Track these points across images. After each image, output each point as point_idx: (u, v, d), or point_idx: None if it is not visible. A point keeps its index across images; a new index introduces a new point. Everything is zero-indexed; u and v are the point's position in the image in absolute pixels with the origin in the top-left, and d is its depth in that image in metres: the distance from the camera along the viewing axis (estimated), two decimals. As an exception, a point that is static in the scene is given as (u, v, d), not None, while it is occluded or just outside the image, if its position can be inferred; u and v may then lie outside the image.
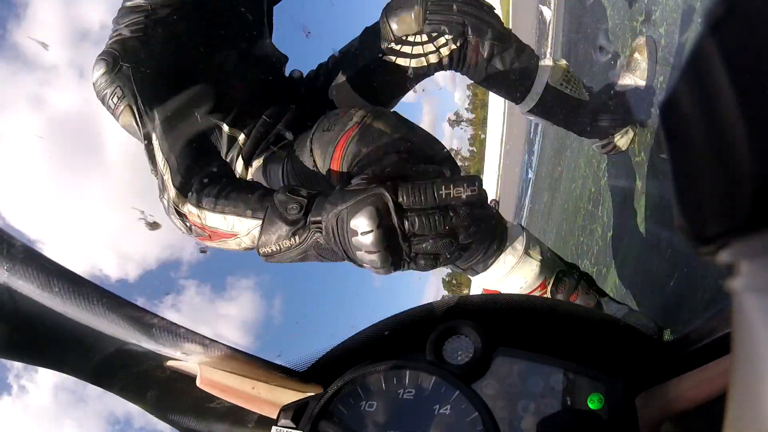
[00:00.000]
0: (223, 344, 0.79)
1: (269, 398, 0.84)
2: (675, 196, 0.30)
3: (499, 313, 0.88)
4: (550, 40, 7.94)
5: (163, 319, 0.71)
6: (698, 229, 0.28)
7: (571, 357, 0.77)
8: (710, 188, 0.26)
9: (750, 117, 0.22)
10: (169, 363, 0.80)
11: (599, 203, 3.60)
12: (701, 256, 0.28)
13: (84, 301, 0.66)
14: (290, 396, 0.83)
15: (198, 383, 0.78)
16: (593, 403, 0.70)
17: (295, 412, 0.77)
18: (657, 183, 2.42)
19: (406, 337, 0.84)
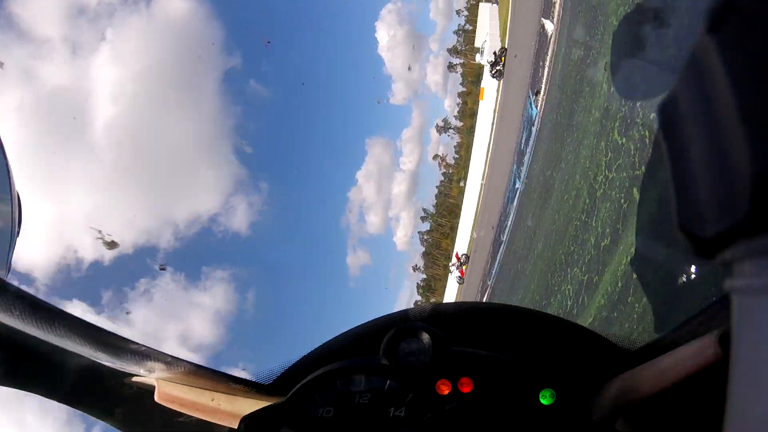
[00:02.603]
0: (182, 360, 0.80)
1: (230, 410, 0.86)
2: (674, 196, 0.30)
3: (456, 318, 0.91)
4: (550, 51, 8.14)
5: (122, 337, 0.73)
6: (698, 229, 0.28)
7: (526, 356, 0.81)
8: (710, 188, 0.26)
9: (749, 116, 0.23)
10: (134, 379, 0.81)
11: (593, 214, 3.71)
12: (701, 256, 0.29)
13: (44, 324, 0.66)
14: (252, 406, 0.85)
15: (156, 398, 0.79)
16: (545, 398, 0.75)
17: (254, 421, 0.81)
18: (655, 196, 2.53)
19: (367, 346, 0.85)
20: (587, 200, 3.78)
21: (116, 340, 0.73)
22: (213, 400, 0.87)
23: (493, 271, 12.09)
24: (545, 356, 0.83)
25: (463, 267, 29.76)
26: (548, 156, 6.44)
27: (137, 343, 0.75)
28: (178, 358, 0.80)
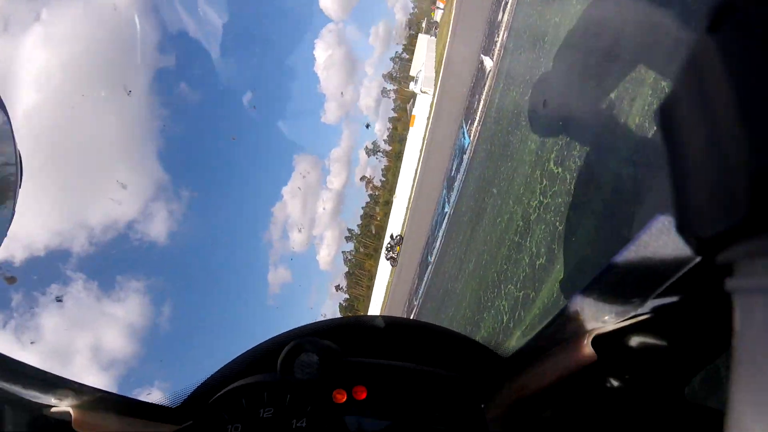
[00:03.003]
0: (93, 387, 0.81)
1: None
2: (673, 196, 0.30)
3: (351, 331, 0.97)
4: (486, 87, 8.63)
5: (34, 367, 0.73)
6: (697, 229, 0.28)
7: (421, 363, 0.86)
8: (709, 189, 0.26)
9: (748, 116, 0.22)
10: (52, 411, 0.81)
11: (527, 235, 3.99)
12: (701, 255, 0.30)
13: None
14: (167, 430, 0.88)
15: (73, 426, 0.79)
16: (435, 398, 0.80)
17: None
18: (593, 218, 2.78)
19: (269, 362, 0.89)
20: (521, 223, 4.04)
21: (29, 370, 0.74)
22: (129, 425, 0.90)
23: (420, 291, 12.34)
24: (436, 363, 0.89)
25: (397, 247, 29.68)
26: (481, 182, 6.77)
27: (50, 373, 0.76)
28: (90, 387, 0.82)
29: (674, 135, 0.30)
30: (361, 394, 0.82)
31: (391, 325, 0.98)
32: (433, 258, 11.40)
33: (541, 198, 3.80)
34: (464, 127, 10.11)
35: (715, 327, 0.64)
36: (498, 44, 8.35)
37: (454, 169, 10.32)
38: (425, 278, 11.97)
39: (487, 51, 9.36)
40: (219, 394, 0.85)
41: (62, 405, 0.80)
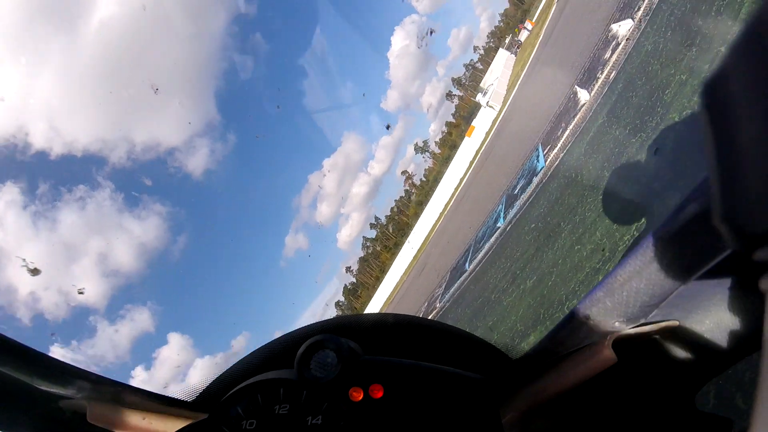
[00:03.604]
0: (110, 380, 0.81)
1: (161, 428, 0.88)
2: (717, 185, 0.27)
3: (369, 329, 0.95)
4: (578, 118, 8.63)
5: (51, 358, 0.74)
6: (744, 222, 0.26)
7: (437, 362, 0.85)
8: (761, 179, 0.24)
9: None
10: (66, 402, 0.81)
11: (612, 265, 3.99)
12: (739, 249, 0.28)
13: None
14: (181, 424, 0.87)
15: (88, 418, 0.80)
16: (453, 399, 0.80)
17: None
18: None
19: (286, 359, 0.88)
20: (607, 254, 4.09)
21: (46, 360, 0.75)
22: (144, 419, 0.89)
23: (447, 295, 12.40)
24: (454, 364, 0.87)
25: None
26: (557, 207, 6.77)
27: (67, 364, 0.77)
28: (107, 379, 0.82)
29: (723, 116, 0.27)
30: (378, 392, 0.82)
31: (410, 324, 0.98)
32: (471, 266, 11.43)
33: (635, 233, 3.84)
34: (540, 150, 10.13)
35: (742, 332, 0.62)
36: (600, 80, 8.34)
37: (518, 188, 10.35)
38: (458, 284, 12.02)
39: (585, 84, 9.35)
40: (235, 389, 0.85)
41: (78, 397, 0.80)
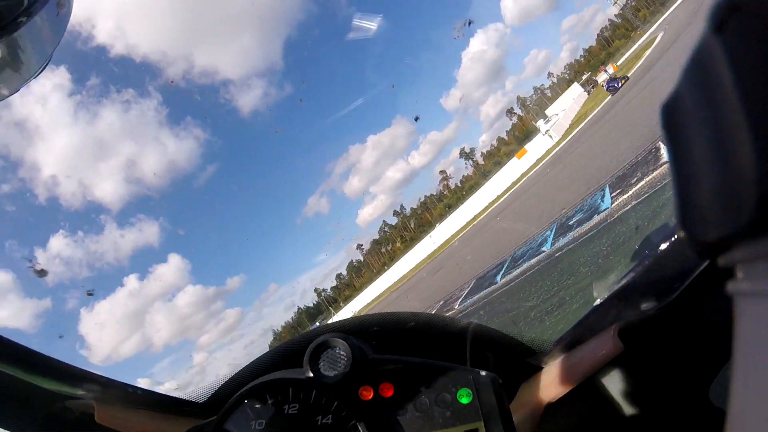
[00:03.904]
0: (119, 382, 0.82)
1: (169, 429, 0.89)
2: (676, 198, 0.30)
3: (377, 328, 0.94)
4: (657, 173, 8.52)
5: (58, 360, 0.75)
6: (700, 231, 0.27)
7: (449, 361, 0.83)
8: (713, 190, 0.26)
9: (754, 117, 0.22)
10: (74, 403, 0.81)
11: None
12: (703, 258, 0.30)
13: None
14: (189, 425, 0.88)
15: (96, 418, 0.80)
16: (463, 397, 0.78)
17: None
18: None
19: (294, 359, 0.89)
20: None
21: (53, 363, 0.75)
22: (152, 419, 0.90)
23: (469, 301, 12.48)
24: (462, 358, 0.88)
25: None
26: (621, 250, 6.76)
27: (76, 367, 0.77)
28: (116, 381, 0.83)
29: (678, 136, 0.30)
30: (388, 391, 0.82)
31: (421, 321, 0.97)
32: (504, 280, 11.45)
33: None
34: (607, 191, 10.05)
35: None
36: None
37: (574, 220, 10.31)
38: (484, 293, 12.06)
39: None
40: (243, 389, 0.85)
41: (86, 398, 0.81)
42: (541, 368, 0.89)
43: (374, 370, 0.83)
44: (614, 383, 0.84)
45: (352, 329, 0.92)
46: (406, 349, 0.89)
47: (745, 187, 0.23)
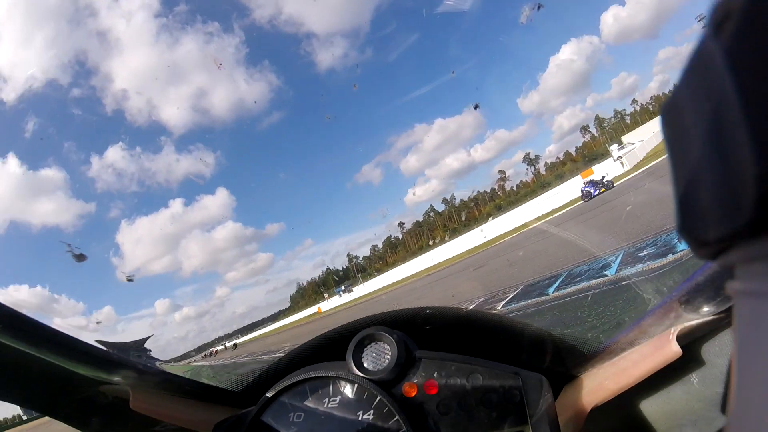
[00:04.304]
0: (156, 369, 0.82)
1: (204, 417, 0.88)
2: (676, 198, 0.30)
3: (423, 322, 0.92)
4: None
5: (95, 346, 0.75)
6: (700, 232, 0.28)
7: (493, 359, 0.82)
8: (712, 191, 0.26)
9: (753, 118, 0.22)
10: (109, 388, 0.81)
11: None
12: (702, 258, 0.29)
13: (21, 334, 0.68)
14: (225, 413, 0.87)
15: (131, 405, 0.80)
16: (509, 398, 0.76)
17: (227, 428, 0.83)
18: None
19: (335, 351, 0.87)
20: None
21: (90, 349, 0.75)
22: (187, 407, 0.89)
23: (513, 305, 12.43)
24: (510, 358, 0.85)
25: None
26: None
27: (110, 352, 0.77)
28: (153, 368, 0.83)
29: (678, 136, 0.30)
30: (433, 389, 0.79)
31: (467, 318, 0.95)
32: (557, 294, 11.32)
33: None
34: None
35: None
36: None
37: (645, 252, 10.04)
38: (532, 302, 11.98)
39: None
40: (283, 381, 0.83)
41: (124, 384, 0.81)
42: (587, 370, 0.87)
43: (419, 366, 0.81)
44: (668, 389, 0.80)
45: (397, 322, 0.90)
46: (452, 345, 0.87)
47: (744, 188, 0.23)
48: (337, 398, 0.81)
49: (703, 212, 0.27)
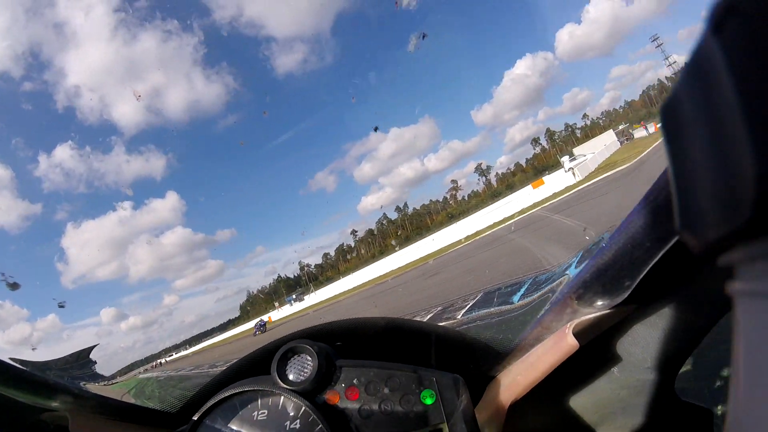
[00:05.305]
0: (92, 393, 0.83)
1: None
2: (675, 198, 0.29)
3: (343, 333, 0.98)
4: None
5: (33, 372, 0.76)
6: (699, 232, 0.27)
7: (415, 363, 0.85)
8: (711, 191, 0.25)
9: (752, 119, 0.22)
10: (50, 414, 0.81)
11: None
12: (702, 258, 0.28)
13: None
14: None
15: (70, 430, 0.80)
16: (426, 398, 0.79)
17: None
18: None
19: (262, 367, 0.89)
20: None
21: (27, 375, 0.75)
22: (125, 430, 0.91)
23: (473, 314, 11.92)
24: (427, 362, 0.89)
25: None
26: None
27: (50, 379, 0.77)
28: (89, 392, 0.84)
29: (677, 136, 0.29)
30: (354, 395, 0.82)
31: (387, 326, 0.99)
32: (521, 302, 10.97)
33: None
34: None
35: (695, 320, 0.70)
36: None
37: (573, 265, 9.88)
38: (495, 310, 11.56)
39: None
40: (213, 398, 0.86)
41: (61, 409, 0.80)
42: (504, 369, 0.90)
43: (340, 374, 0.84)
44: (574, 381, 0.86)
45: (319, 335, 0.94)
46: (375, 353, 0.90)
47: (744, 187, 0.23)
48: (266, 411, 0.84)
49: (702, 212, 0.26)
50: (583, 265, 0.67)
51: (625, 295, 0.66)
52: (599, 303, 0.70)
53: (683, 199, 0.29)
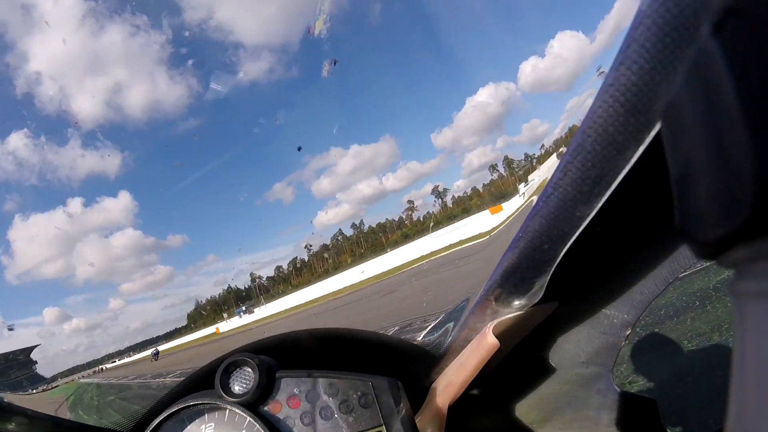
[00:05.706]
0: (46, 415, 0.86)
1: None
2: (676, 198, 0.30)
3: (286, 345, 1.01)
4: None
5: None
6: (699, 232, 0.27)
7: (356, 370, 0.88)
8: (711, 191, 0.26)
9: (752, 119, 0.22)
10: None
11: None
12: (702, 258, 0.28)
13: None
14: None
15: None
16: (364, 402, 0.84)
17: None
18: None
19: (209, 381, 0.90)
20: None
21: None
22: None
23: (435, 335, 11.77)
24: (368, 368, 0.90)
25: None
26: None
27: (4, 401, 0.80)
28: (42, 414, 0.85)
29: (678, 137, 0.30)
30: (295, 404, 0.85)
31: (325, 337, 1.03)
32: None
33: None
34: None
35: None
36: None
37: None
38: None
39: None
40: (162, 415, 0.87)
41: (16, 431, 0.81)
42: (442, 371, 0.91)
43: (281, 385, 0.88)
44: (515, 382, 0.90)
45: (261, 348, 0.97)
46: (317, 362, 0.93)
47: (744, 187, 0.23)
48: (212, 424, 0.87)
49: (702, 212, 0.27)
50: (495, 270, 0.68)
51: (540, 294, 0.68)
52: (517, 303, 0.72)
53: (683, 200, 0.28)
